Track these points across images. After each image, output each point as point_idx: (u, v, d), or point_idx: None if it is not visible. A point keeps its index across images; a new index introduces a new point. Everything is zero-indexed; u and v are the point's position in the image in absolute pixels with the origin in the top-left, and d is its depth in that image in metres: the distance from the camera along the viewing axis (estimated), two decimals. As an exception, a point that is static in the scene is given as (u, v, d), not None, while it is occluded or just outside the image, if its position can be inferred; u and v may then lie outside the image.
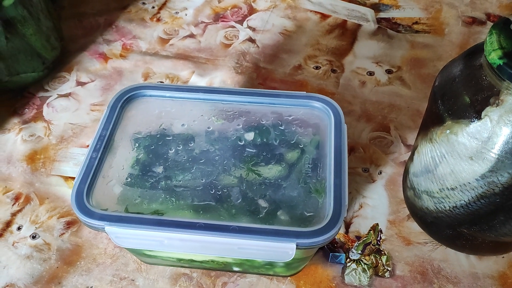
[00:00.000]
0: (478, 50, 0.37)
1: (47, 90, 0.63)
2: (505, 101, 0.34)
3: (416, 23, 0.71)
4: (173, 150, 0.42)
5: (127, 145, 0.43)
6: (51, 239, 0.48)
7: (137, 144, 0.43)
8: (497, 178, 0.36)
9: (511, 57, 0.33)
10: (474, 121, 0.35)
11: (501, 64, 0.33)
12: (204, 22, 0.72)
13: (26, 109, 0.61)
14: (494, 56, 0.34)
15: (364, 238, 0.48)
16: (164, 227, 0.36)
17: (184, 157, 0.42)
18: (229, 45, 0.69)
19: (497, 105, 0.34)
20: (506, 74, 0.33)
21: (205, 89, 0.46)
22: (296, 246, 0.35)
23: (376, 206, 0.50)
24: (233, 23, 0.72)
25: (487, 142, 0.35)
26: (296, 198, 0.39)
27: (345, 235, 0.48)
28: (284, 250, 0.35)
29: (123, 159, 0.42)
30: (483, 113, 0.35)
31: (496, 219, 0.40)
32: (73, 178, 0.52)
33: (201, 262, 0.43)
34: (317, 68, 0.65)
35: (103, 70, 0.66)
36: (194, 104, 0.45)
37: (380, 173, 0.53)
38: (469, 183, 0.38)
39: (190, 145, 0.43)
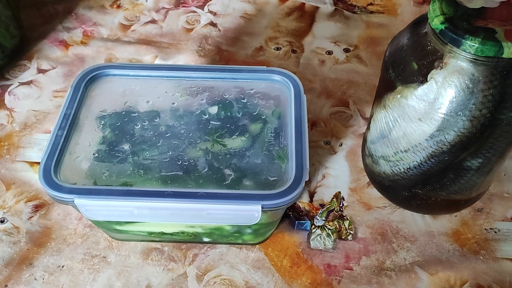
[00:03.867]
0: (423, 19, 0.40)
1: (7, 79, 0.63)
2: (448, 64, 0.37)
3: (371, 4, 0.74)
4: (139, 126, 0.43)
5: (92, 123, 0.43)
6: (20, 222, 0.48)
7: (102, 122, 0.43)
8: (444, 136, 0.39)
9: (452, 22, 0.36)
10: (421, 84, 0.38)
11: (443, 28, 0.36)
12: (165, 8, 0.73)
13: (-13, 98, 0.60)
14: (436, 21, 0.36)
15: (328, 206, 0.50)
16: (133, 196, 0.37)
17: (150, 132, 0.43)
18: (191, 30, 0.70)
19: (441, 68, 0.37)
20: (448, 37, 0.36)
21: (168, 66, 0.47)
22: (262, 208, 0.37)
23: (338, 175, 0.53)
24: (194, 8, 0.73)
25: (433, 103, 0.38)
26: (260, 165, 0.40)
27: (310, 203, 0.51)
28: (250, 212, 0.37)
29: (89, 136, 0.42)
30: (429, 76, 0.38)
31: (446, 177, 0.43)
32: (39, 163, 0.53)
33: (172, 234, 0.45)
34: (278, 49, 0.67)
35: (64, 57, 0.66)
36: (158, 81, 0.46)
37: (341, 145, 0.56)
38: (420, 143, 0.41)
39: (155, 120, 0.44)
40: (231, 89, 0.46)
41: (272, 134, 0.42)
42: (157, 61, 0.65)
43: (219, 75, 0.46)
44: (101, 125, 0.43)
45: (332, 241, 0.48)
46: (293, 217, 0.49)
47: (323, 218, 0.49)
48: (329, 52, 0.66)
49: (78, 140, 0.42)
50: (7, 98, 0.60)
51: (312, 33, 0.69)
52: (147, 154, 0.41)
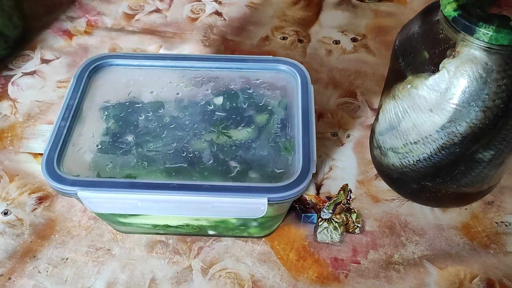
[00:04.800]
0: (434, 6, 0.39)
1: (11, 69, 0.62)
2: (461, 52, 0.35)
3: (379, -8, 0.72)
4: (143, 117, 0.42)
5: (96, 114, 0.43)
6: (23, 214, 0.48)
7: (106, 113, 0.43)
8: (456, 128, 0.38)
9: (466, 9, 0.35)
10: (432, 74, 0.37)
11: (456, 15, 0.34)
12: (170, -3, 0.72)
13: (-10, 89, 0.60)
14: (449, 8, 0.35)
15: (335, 198, 0.49)
16: (137, 189, 0.36)
17: (154, 123, 0.42)
18: (196, 19, 0.68)
19: (454, 57, 0.36)
20: (461, 25, 0.34)
21: (173, 56, 0.46)
22: (268, 201, 0.36)
23: (345, 167, 0.52)
24: (199, -3, 0.72)
25: (445, 93, 0.37)
26: (267, 157, 0.40)
27: (316, 196, 0.50)
28: (256, 205, 0.36)
29: (92, 127, 0.42)
30: (440, 65, 0.36)
31: (457, 170, 0.42)
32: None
33: (176, 227, 0.44)
34: (284, 38, 0.66)
35: (68, 47, 0.65)
36: (162, 71, 0.46)
37: (348, 136, 0.55)
38: (430, 135, 0.40)
39: (160, 111, 0.43)
40: (236, 79, 0.45)
41: (279, 125, 0.41)
42: (162, 51, 0.64)
43: (224, 65, 0.45)
44: (105, 116, 0.42)
45: (339, 234, 0.47)
46: (299, 209, 0.48)
47: (330, 211, 0.48)
48: (337, 42, 0.65)
49: (81, 131, 0.41)
50: (11, 89, 0.60)
51: (319, 22, 0.68)
52: (151, 146, 0.40)
